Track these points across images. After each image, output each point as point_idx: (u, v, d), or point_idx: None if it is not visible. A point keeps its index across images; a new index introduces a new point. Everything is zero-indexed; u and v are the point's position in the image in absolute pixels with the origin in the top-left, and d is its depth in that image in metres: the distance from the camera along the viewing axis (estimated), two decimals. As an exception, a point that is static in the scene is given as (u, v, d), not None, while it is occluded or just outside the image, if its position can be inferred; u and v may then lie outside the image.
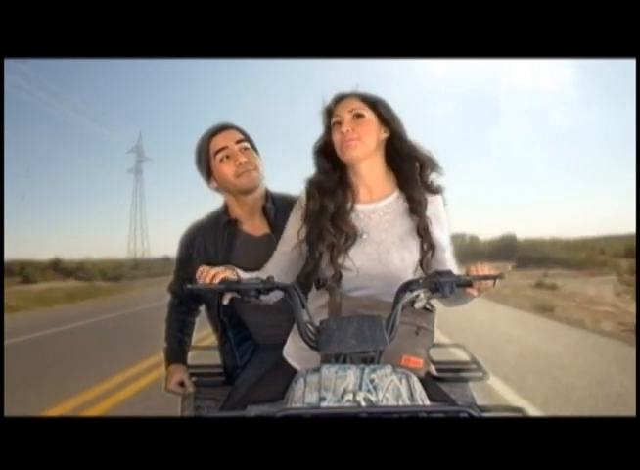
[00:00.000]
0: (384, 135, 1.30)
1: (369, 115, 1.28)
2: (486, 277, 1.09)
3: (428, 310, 1.24)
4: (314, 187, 1.31)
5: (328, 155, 1.33)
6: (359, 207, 1.30)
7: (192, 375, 1.64)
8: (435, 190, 1.33)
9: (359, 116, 1.27)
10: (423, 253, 1.28)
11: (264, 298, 1.15)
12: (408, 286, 1.10)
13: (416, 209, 1.29)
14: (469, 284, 1.10)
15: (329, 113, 1.31)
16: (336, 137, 1.28)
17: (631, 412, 3.16)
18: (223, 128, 1.59)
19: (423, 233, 1.28)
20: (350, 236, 1.25)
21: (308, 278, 1.32)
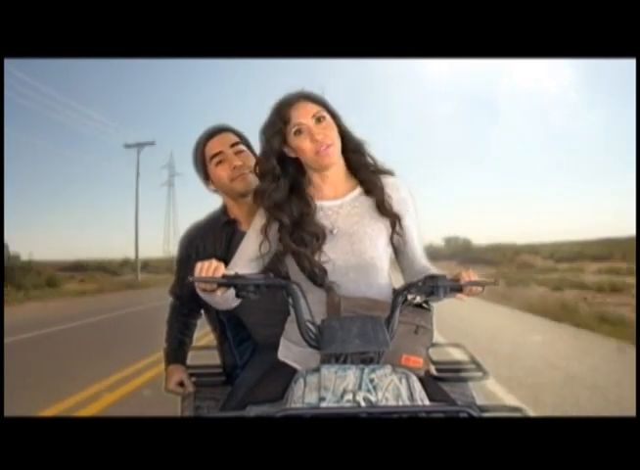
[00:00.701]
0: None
1: (327, 117, 1.27)
2: (481, 283, 1.13)
3: (426, 309, 1.24)
4: (264, 201, 1.29)
5: (279, 159, 1.30)
6: (325, 204, 1.31)
7: (192, 375, 1.64)
8: (388, 172, 1.35)
9: (321, 119, 1.26)
10: (392, 229, 1.31)
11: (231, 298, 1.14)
12: (405, 289, 1.12)
13: (375, 191, 1.30)
14: (460, 289, 1.13)
15: (284, 119, 1.26)
16: (304, 145, 1.25)
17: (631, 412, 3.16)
18: (218, 131, 1.59)
19: (384, 211, 1.29)
20: (320, 235, 1.26)
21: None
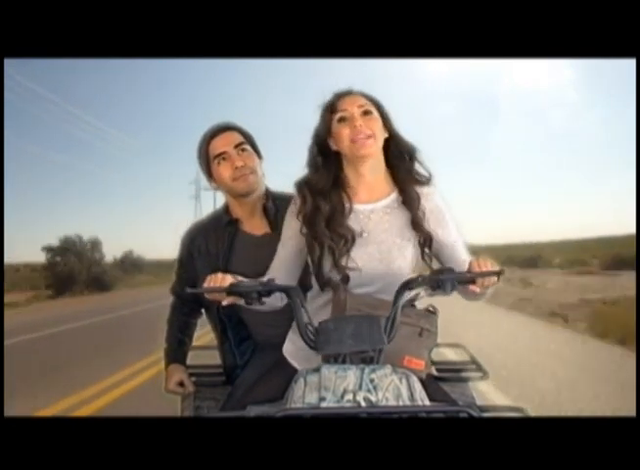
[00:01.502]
0: (385, 135, 1.30)
1: (376, 113, 1.27)
2: (486, 274, 1.07)
3: (431, 312, 1.24)
4: (308, 188, 1.30)
5: (325, 151, 1.31)
6: (358, 207, 1.30)
7: (192, 375, 1.64)
8: (426, 181, 1.33)
9: (368, 112, 1.26)
10: (421, 246, 1.29)
11: (268, 301, 1.15)
12: (407, 285, 1.09)
13: (410, 203, 1.29)
14: (471, 281, 1.08)
15: (331, 108, 1.28)
16: (344, 132, 1.25)
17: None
18: (222, 130, 1.59)
19: (419, 226, 1.28)
20: (349, 238, 1.24)
21: (311, 280, 1.32)
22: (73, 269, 20.14)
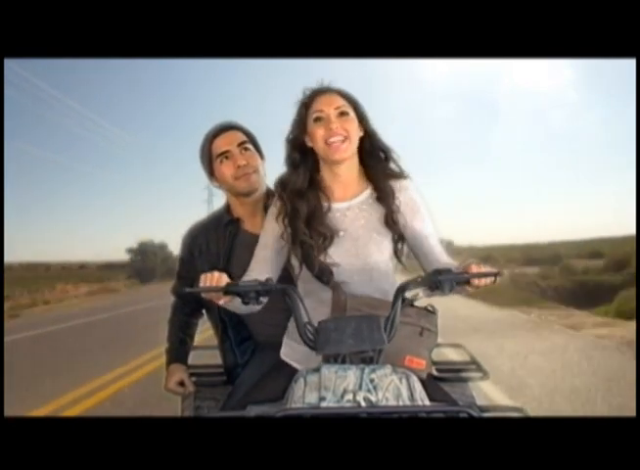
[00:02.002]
0: (360, 134, 1.30)
1: (352, 113, 1.27)
2: (486, 274, 1.08)
3: (431, 312, 1.24)
4: (285, 188, 1.30)
5: (301, 148, 1.31)
6: (335, 205, 1.31)
7: (192, 375, 1.64)
8: (400, 175, 1.33)
9: (344, 113, 1.26)
10: (395, 242, 1.30)
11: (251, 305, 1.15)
12: (406, 285, 1.09)
13: (384, 198, 1.29)
14: (468, 281, 1.09)
15: (308, 105, 1.28)
16: (319, 132, 1.25)
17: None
18: (225, 129, 1.59)
19: (392, 223, 1.29)
20: (328, 236, 1.26)
21: (299, 279, 1.32)
22: (153, 264, 29.90)
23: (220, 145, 1.56)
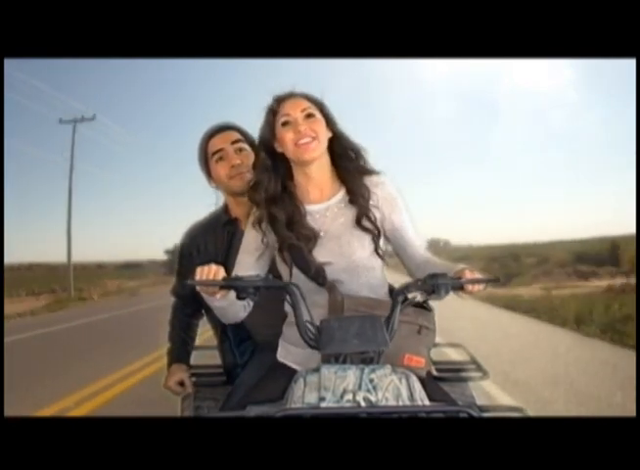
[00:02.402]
0: (328, 135, 1.31)
1: (318, 115, 1.28)
2: (483, 280, 1.12)
3: (427, 309, 1.24)
4: (260, 195, 1.30)
5: (272, 154, 1.32)
6: (313, 208, 1.31)
7: (192, 375, 1.64)
8: (373, 171, 1.35)
9: (310, 115, 1.27)
10: (375, 240, 1.32)
11: (235, 308, 1.18)
12: (406, 288, 1.11)
13: (357, 199, 1.30)
14: (462, 287, 1.12)
15: (274, 112, 1.29)
16: (287, 136, 1.26)
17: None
18: (222, 129, 1.60)
19: (371, 220, 1.30)
20: (312, 238, 1.27)
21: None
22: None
23: (215, 144, 1.57)
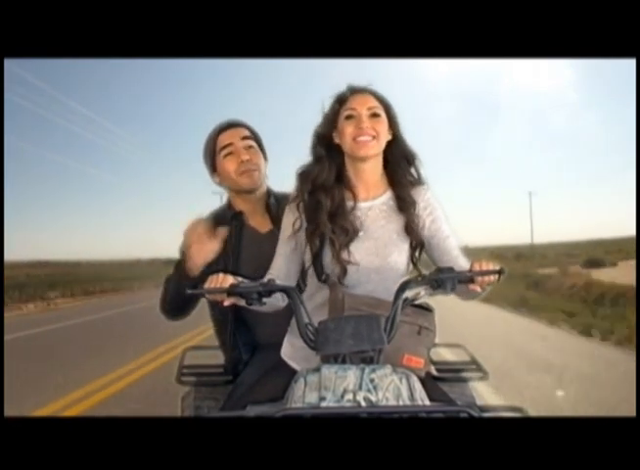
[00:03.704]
0: (388, 137, 1.31)
1: (383, 116, 1.29)
2: (487, 272, 1.07)
3: (428, 310, 1.24)
4: (309, 181, 1.30)
5: (326, 143, 1.32)
6: (358, 204, 1.32)
7: (192, 375, 1.64)
8: (420, 181, 1.35)
9: (376, 115, 1.28)
10: (412, 250, 1.32)
11: (269, 301, 1.15)
12: (407, 284, 1.09)
13: (406, 207, 1.31)
14: (471, 280, 1.07)
15: (341, 102, 1.30)
16: (348, 130, 1.27)
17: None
18: (231, 125, 1.61)
19: (411, 231, 1.30)
20: (350, 232, 1.26)
21: (305, 281, 1.33)
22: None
23: (224, 139, 1.58)
